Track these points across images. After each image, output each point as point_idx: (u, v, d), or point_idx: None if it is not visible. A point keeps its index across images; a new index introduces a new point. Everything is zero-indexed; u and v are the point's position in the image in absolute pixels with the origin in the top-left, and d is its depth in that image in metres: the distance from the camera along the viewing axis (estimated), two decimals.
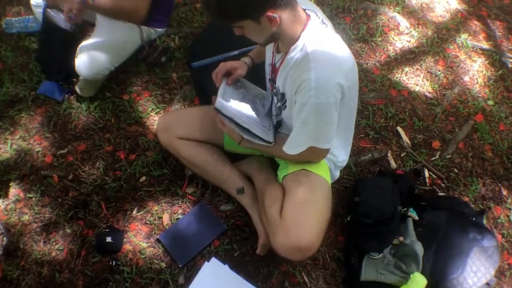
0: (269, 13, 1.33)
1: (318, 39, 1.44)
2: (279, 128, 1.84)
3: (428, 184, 2.23)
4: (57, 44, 2.51)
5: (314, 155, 1.65)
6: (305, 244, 1.56)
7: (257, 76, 2.02)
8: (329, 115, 1.47)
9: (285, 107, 1.64)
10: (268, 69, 1.76)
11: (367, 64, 2.74)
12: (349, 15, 3.00)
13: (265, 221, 1.75)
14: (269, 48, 1.70)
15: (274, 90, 1.71)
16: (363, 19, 2.97)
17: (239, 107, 1.78)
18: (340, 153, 1.86)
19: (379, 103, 2.53)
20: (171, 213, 2.11)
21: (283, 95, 1.61)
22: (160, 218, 2.10)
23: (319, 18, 1.52)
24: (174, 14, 2.91)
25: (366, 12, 3.01)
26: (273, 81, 1.69)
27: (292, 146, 1.61)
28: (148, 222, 2.09)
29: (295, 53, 1.46)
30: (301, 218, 1.59)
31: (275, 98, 1.74)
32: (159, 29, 2.63)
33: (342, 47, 1.49)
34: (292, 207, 1.63)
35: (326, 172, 1.78)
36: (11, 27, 2.91)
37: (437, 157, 2.34)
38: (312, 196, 1.66)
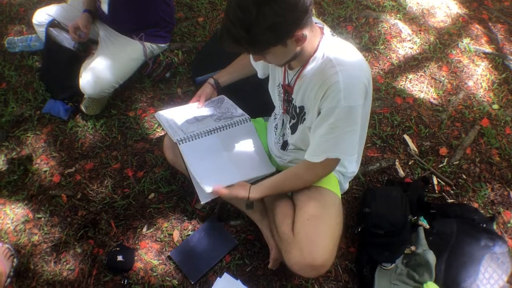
0: (299, 33, 1.32)
1: (336, 46, 1.46)
2: (286, 148, 1.84)
3: (437, 192, 2.22)
4: (61, 63, 2.52)
5: (331, 168, 1.62)
6: (320, 262, 1.55)
7: (261, 96, 2.04)
8: (355, 119, 1.46)
9: (304, 119, 1.62)
10: (277, 90, 1.75)
11: (371, 72, 2.72)
12: (351, 24, 3.00)
13: (277, 237, 1.74)
14: (278, 70, 1.69)
15: (290, 109, 1.69)
16: (365, 27, 2.97)
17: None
18: (351, 165, 1.85)
19: (384, 111, 2.53)
20: (181, 229, 2.11)
21: (302, 108, 1.60)
22: (171, 235, 2.09)
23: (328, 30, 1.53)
24: (176, 29, 2.93)
25: (368, 21, 3.01)
26: (288, 101, 1.68)
27: (316, 153, 1.55)
28: (159, 239, 2.08)
29: (315, 63, 1.46)
30: (314, 236, 1.58)
31: (288, 118, 1.73)
32: (162, 45, 2.65)
33: (357, 52, 1.50)
34: (304, 224, 1.62)
35: (336, 186, 1.77)
36: (14, 46, 2.92)
37: (444, 163, 2.34)
38: (324, 213, 1.65)
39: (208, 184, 1.72)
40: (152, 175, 2.29)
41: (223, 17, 1.32)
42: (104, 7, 2.45)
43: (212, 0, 3.18)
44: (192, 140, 1.82)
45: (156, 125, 2.49)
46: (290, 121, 1.71)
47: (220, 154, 1.85)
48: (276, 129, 1.89)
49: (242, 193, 1.71)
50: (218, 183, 1.73)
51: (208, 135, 1.87)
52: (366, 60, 2.74)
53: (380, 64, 2.78)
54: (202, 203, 1.77)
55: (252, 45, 1.33)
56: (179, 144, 1.79)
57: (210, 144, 1.85)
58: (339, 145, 1.50)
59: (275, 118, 1.92)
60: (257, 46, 1.35)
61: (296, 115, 1.65)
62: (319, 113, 1.49)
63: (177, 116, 1.94)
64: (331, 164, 1.58)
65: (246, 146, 1.92)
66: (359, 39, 2.90)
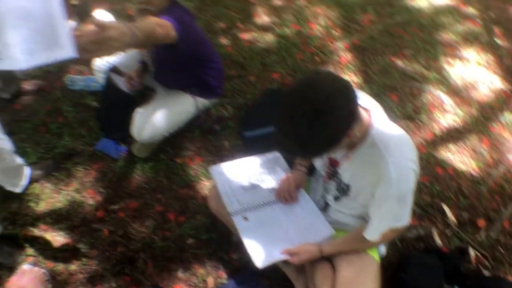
0: (350, 133, 1.34)
1: (386, 134, 1.49)
2: (327, 209, 1.88)
3: (473, 263, 2.20)
4: (118, 106, 2.67)
5: (393, 234, 1.66)
6: None
7: None
8: (409, 198, 1.51)
9: (348, 195, 1.67)
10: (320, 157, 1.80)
11: (413, 141, 2.74)
12: (395, 93, 3.08)
13: None
14: None
15: (334, 181, 1.73)
16: (409, 97, 3.04)
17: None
18: None
19: (425, 180, 2.55)
20: (216, 277, 2.14)
21: (348, 186, 1.65)
22: (205, 281, 2.12)
23: (370, 105, 1.58)
24: (228, 85, 3.06)
25: (412, 91, 3.09)
26: (333, 173, 1.72)
27: (374, 233, 1.62)
28: (193, 284, 2.11)
29: (365, 148, 1.51)
30: None
31: (332, 187, 1.77)
32: (213, 100, 2.75)
33: (405, 136, 1.54)
34: None
35: (374, 250, 1.79)
36: (74, 84, 3.11)
37: (482, 235, 2.32)
38: (363, 278, 1.66)
39: (262, 259, 1.71)
40: (193, 221, 2.35)
41: (275, 124, 1.35)
42: (151, 67, 2.58)
43: (264, 62, 3.34)
44: (247, 212, 1.86)
45: (201, 173, 2.57)
46: (334, 192, 1.76)
47: (276, 225, 1.85)
48: (318, 191, 1.94)
49: (312, 254, 1.73)
50: (274, 257, 1.74)
51: (263, 207, 1.91)
52: (409, 129, 2.85)
53: (422, 134, 2.83)
54: (259, 267, 1.71)
55: (305, 155, 1.39)
56: (233, 216, 1.83)
57: (265, 216, 1.88)
58: (394, 220, 1.56)
59: (316, 179, 1.97)
60: (310, 156, 1.41)
61: (342, 190, 1.70)
62: (372, 195, 1.55)
63: (232, 174, 1.98)
64: (387, 234, 1.63)
65: (302, 214, 1.91)
66: (403, 108, 2.96)
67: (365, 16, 3.92)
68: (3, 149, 2.21)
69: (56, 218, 2.39)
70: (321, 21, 3.83)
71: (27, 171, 2.49)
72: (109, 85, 2.68)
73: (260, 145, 2.39)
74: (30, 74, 3.20)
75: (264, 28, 3.74)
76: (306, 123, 1.24)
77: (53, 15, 1.39)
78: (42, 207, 2.45)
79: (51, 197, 2.50)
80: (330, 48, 3.49)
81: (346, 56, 3.41)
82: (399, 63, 3.35)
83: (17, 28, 1.36)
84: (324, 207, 1.89)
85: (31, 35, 1.38)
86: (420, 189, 2.52)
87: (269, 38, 3.62)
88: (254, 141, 2.63)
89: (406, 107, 2.98)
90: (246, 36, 3.64)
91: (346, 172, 1.64)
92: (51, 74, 3.33)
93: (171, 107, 2.53)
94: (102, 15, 3.56)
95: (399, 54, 3.51)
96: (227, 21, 3.83)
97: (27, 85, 3.17)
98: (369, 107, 1.55)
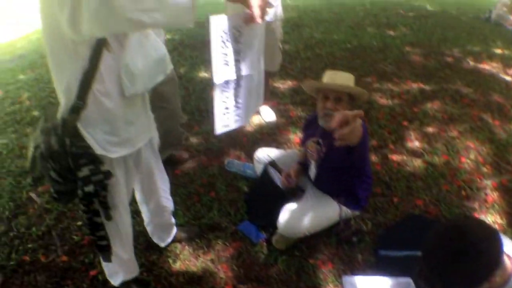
0: (491, 279, 1.42)
1: None
2: None
3: None
4: (269, 196, 2.94)
5: None
6: None
7: None
8: None
9: None
10: None
11: None
12: None
13: None
14: None
15: None
16: None
17: None
18: None
19: None
20: None
21: None
22: None
23: None
24: (372, 201, 3.20)
25: None
26: None
27: None
28: None
29: None
30: None
31: None
32: (356, 211, 2.92)
33: None
34: None
35: None
36: (231, 167, 3.52)
37: None
38: None
39: None
40: None
41: (422, 255, 1.50)
42: (311, 174, 2.85)
43: (410, 186, 3.42)
44: None
45: (330, 279, 2.64)
46: None
47: None
48: None
49: None
50: None
51: None
52: None
53: None
54: None
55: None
56: None
57: None
58: None
59: None
60: None
61: None
62: None
63: None
64: None
65: None
66: None
67: None
68: (167, 207, 2.60)
69: (187, 280, 2.62)
70: (471, 155, 3.84)
71: (174, 230, 2.82)
72: (265, 176, 3.01)
73: (393, 267, 2.46)
74: (196, 149, 3.70)
75: (414, 153, 3.86)
76: (452, 262, 1.37)
77: (261, 74, 1.76)
78: (177, 265, 2.72)
79: (188, 259, 2.76)
80: (478, 185, 3.47)
81: (493, 196, 3.36)
82: None
83: (252, 93, 1.75)
84: None
85: (253, 96, 1.77)
86: None
87: (417, 163, 3.72)
88: (387, 261, 2.68)
89: None
90: (395, 157, 3.78)
91: None
92: (211, 151, 3.82)
93: (318, 210, 2.75)
94: (266, 111, 4.09)
95: None
96: (380, 139, 4.03)
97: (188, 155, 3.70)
98: None
